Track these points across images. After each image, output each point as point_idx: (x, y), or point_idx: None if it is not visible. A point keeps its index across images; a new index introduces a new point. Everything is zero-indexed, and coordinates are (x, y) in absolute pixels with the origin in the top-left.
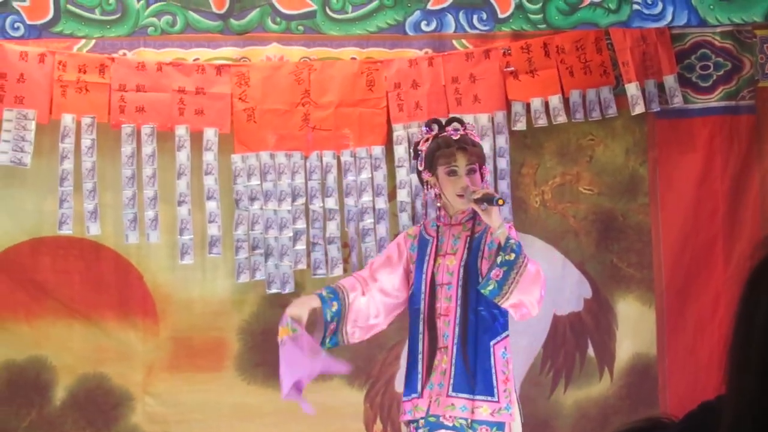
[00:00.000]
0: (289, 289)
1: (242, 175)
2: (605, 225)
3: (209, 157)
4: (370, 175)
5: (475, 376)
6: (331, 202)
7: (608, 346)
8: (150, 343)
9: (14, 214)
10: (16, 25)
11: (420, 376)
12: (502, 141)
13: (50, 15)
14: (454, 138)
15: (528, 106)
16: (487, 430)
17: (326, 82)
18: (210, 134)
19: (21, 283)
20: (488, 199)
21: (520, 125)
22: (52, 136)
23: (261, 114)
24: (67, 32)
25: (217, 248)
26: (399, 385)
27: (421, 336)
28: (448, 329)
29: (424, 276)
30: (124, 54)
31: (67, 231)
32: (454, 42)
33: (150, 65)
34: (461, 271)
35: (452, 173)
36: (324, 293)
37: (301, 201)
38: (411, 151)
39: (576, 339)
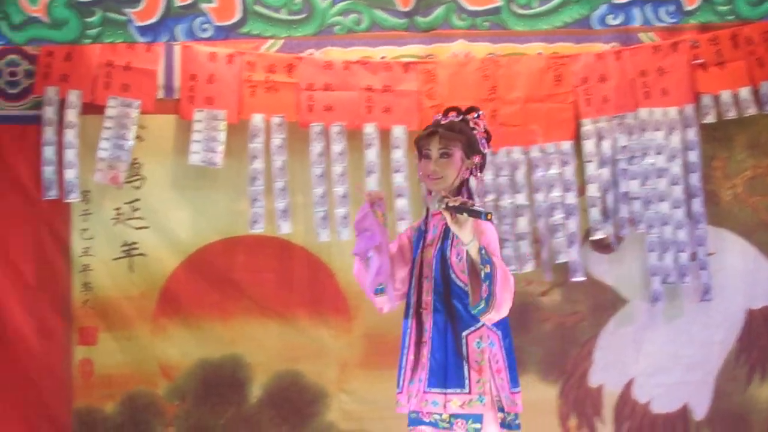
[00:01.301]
0: None
1: None
2: None
3: (398, 154)
4: (559, 171)
5: (447, 370)
6: (521, 198)
7: None
8: (343, 341)
9: (207, 214)
10: (204, 26)
11: (402, 371)
12: (692, 134)
13: (238, 16)
14: (441, 122)
15: (717, 99)
16: (462, 423)
17: (513, 77)
18: (398, 131)
19: (214, 282)
20: (470, 212)
21: (710, 118)
22: (241, 136)
23: None
24: (255, 33)
25: None
26: (593, 380)
27: (408, 330)
28: (428, 323)
29: (415, 269)
30: (312, 53)
31: (258, 230)
32: (641, 35)
33: (337, 64)
34: (434, 262)
35: (426, 156)
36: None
37: (490, 197)
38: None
39: None
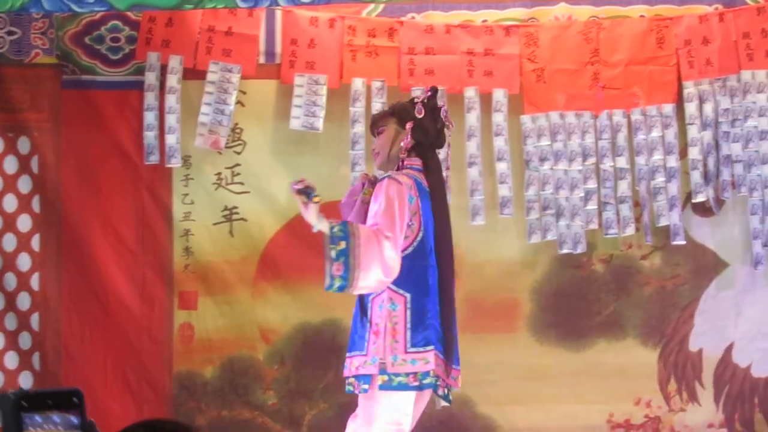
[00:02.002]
0: (581, 249)
1: (532, 136)
2: None
3: (499, 118)
4: (660, 134)
5: (354, 334)
6: (622, 161)
7: None
8: None
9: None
10: None
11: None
12: None
13: None
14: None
15: None
16: (356, 384)
17: (615, 40)
18: (499, 95)
19: (314, 247)
20: (306, 193)
21: None
22: (342, 100)
23: (550, 74)
24: None
25: (508, 209)
26: (693, 344)
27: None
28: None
29: None
30: (413, 17)
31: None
32: None
33: (438, 28)
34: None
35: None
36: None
37: (591, 161)
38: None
39: None
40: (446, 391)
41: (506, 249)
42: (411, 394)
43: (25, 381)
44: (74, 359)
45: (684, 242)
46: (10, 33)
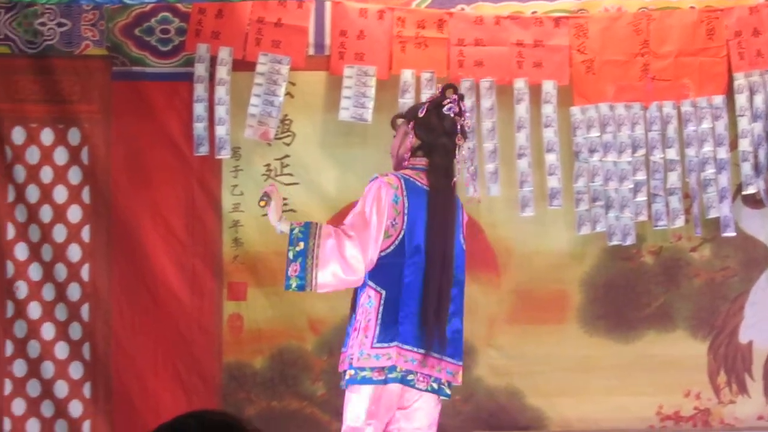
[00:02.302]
0: (630, 240)
1: (581, 127)
2: None
3: (548, 109)
4: (711, 125)
5: (348, 330)
6: (672, 153)
7: None
8: (492, 296)
9: (356, 170)
10: None
11: None
12: None
13: None
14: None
15: None
16: (340, 379)
17: (665, 31)
18: (549, 87)
19: None
20: (263, 198)
21: None
22: (391, 91)
23: (600, 65)
24: None
25: (557, 200)
26: (743, 336)
27: None
28: None
29: None
30: (462, 9)
31: None
32: None
33: (488, 19)
34: None
35: None
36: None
37: (641, 152)
38: None
39: None
40: (436, 385)
41: (555, 240)
42: (371, 389)
43: (76, 371)
44: (124, 350)
45: (734, 234)
46: (60, 24)
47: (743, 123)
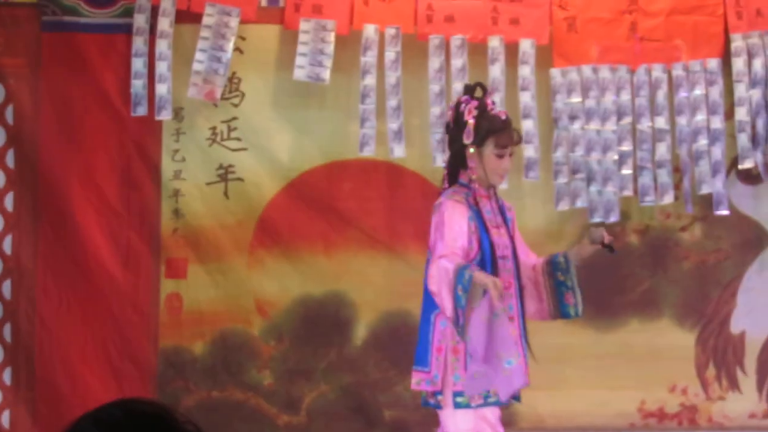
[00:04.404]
0: (613, 217)
1: (562, 92)
2: None
3: (525, 71)
4: (704, 92)
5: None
6: (661, 122)
7: None
8: None
9: (312, 135)
10: None
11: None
12: None
13: None
14: (503, 119)
15: None
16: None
17: None
18: (526, 46)
19: (319, 210)
20: (611, 249)
21: None
22: (352, 49)
23: (583, 23)
24: None
25: (534, 172)
26: (735, 325)
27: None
28: (512, 300)
29: (489, 248)
30: None
31: (369, 153)
32: None
33: None
34: (510, 244)
35: (500, 156)
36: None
37: (627, 120)
38: (451, 115)
39: None
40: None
41: (531, 216)
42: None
43: None
44: (50, 331)
45: (728, 213)
46: None
47: (740, 89)
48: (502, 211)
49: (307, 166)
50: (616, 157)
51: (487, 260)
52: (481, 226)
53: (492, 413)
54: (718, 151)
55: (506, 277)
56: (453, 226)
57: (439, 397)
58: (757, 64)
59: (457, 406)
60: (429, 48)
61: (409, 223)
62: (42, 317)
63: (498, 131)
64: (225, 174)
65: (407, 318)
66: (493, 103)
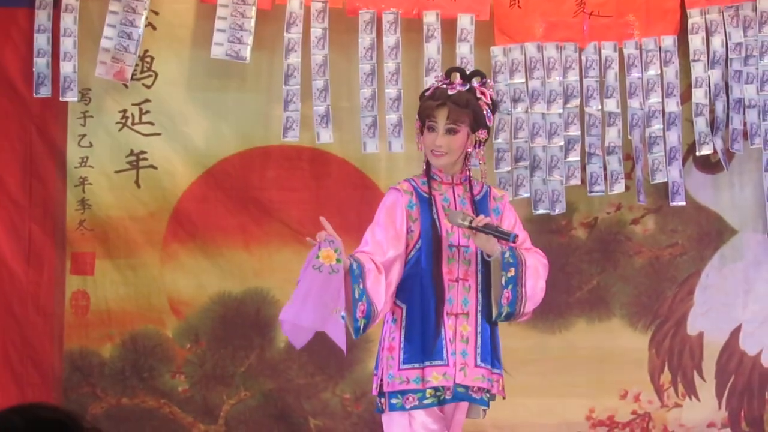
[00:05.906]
0: (559, 209)
1: (504, 72)
2: None
3: (464, 49)
4: (658, 72)
5: (490, 347)
6: (612, 104)
7: None
8: None
9: (230, 118)
10: None
11: (444, 342)
12: None
13: None
14: (448, 93)
15: None
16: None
17: None
18: (465, 22)
19: (239, 201)
20: (497, 234)
21: None
22: (275, 24)
23: None
24: None
25: (473, 159)
26: (692, 326)
27: (432, 300)
28: (468, 294)
29: (434, 237)
30: None
31: (293, 138)
32: None
33: None
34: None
35: (430, 129)
36: (354, 263)
37: (574, 103)
38: None
39: None
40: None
41: None
42: None
43: None
44: None
45: (684, 203)
46: None
47: (698, 69)
48: (479, 200)
49: (226, 152)
50: (562, 142)
51: (430, 248)
52: (427, 214)
53: (434, 420)
54: (673, 137)
55: (461, 269)
56: (378, 215)
57: (382, 400)
58: (716, 42)
59: (391, 408)
60: (359, 24)
61: (338, 215)
62: None
63: (429, 101)
64: (136, 161)
65: None
66: (450, 81)
